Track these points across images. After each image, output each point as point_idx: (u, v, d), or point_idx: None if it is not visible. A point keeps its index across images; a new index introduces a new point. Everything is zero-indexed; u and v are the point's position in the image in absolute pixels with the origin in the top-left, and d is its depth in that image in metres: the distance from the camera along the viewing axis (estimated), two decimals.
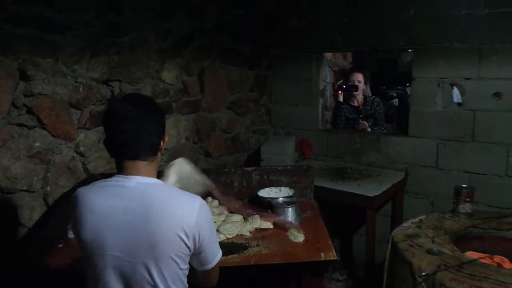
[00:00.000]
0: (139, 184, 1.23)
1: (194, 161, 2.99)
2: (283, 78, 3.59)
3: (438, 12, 2.80)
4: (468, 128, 2.82)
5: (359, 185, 2.74)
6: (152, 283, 1.22)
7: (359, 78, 3.58)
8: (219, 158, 3.26)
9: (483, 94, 2.74)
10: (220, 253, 1.38)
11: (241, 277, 2.02)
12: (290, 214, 2.10)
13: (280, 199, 2.25)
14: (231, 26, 3.19)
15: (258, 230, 2.05)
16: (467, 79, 2.79)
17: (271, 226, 2.07)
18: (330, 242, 1.88)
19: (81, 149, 2.20)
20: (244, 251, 1.85)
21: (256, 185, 2.47)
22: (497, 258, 2.17)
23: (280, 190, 2.43)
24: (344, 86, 3.59)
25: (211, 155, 3.17)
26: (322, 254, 1.78)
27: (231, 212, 2.17)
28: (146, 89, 2.58)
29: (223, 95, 3.23)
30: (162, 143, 1.32)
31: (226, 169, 2.50)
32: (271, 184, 2.47)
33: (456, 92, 2.85)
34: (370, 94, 3.87)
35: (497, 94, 2.70)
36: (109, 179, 1.27)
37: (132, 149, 1.24)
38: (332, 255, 1.77)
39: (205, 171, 2.07)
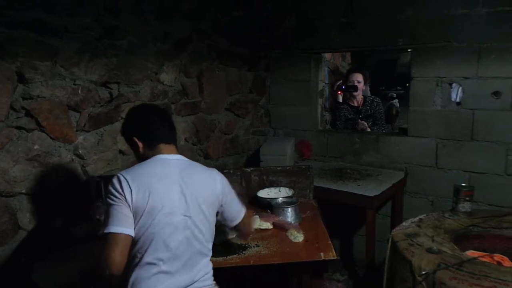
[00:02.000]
0: (177, 159, 1.61)
1: None
2: (282, 79, 3.60)
3: (436, 11, 2.80)
4: (467, 127, 2.82)
5: (358, 185, 2.74)
6: (198, 230, 1.55)
7: (358, 78, 3.59)
8: (218, 160, 3.26)
9: (482, 93, 2.74)
10: (244, 209, 1.75)
11: (242, 277, 2.02)
12: (289, 215, 2.10)
13: (280, 200, 2.26)
14: (229, 28, 3.20)
15: (257, 230, 2.05)
16: (466, 78, 2.79)
17: (271, 227, 2.07)
18: (330, 242, 1.89)
19: (80, 151, 2.20)
20: (243, 252, 1.86)
21: (255, 186, 2.47)
22: (497, 257, 2.17)
23: (279, 191, 2.44)
24: (343, 87, 3.60)
25: (210, 156, 3.17)
26: (322, 254, 1.78)
27: None
28: (145, 91, 2.59)
29: (222, 96, 3.24)
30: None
31: (225, 170, 2.50)
32: (270, 184, 2.47)
33: (455, 91, 2.85)
34: (370, 95, 3.88)
35: (496, 93, 2.70)
36: (150, 159, 1.58)
37: (170, 136, 1.66)
38: (332, 255, 1.77)
39: None
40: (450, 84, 2.85)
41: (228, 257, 1.81)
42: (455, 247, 2.00)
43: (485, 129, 2.76)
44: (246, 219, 1.76)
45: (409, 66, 3.05)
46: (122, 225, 1.40)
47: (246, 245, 1.92)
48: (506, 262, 2.13)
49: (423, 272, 1.76)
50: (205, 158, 3.13)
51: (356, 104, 3.60)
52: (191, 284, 1.52)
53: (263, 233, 2.03)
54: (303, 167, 2.51)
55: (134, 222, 1.43)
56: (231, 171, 2.49)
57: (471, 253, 2.21)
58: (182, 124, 2.88)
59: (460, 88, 2.82)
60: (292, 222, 2.06)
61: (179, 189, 1.51)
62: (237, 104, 3.39)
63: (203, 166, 1.68)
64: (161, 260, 1.45)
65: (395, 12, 2.96)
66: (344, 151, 3.35)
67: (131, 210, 1.42)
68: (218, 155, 3.25)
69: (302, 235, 1.95)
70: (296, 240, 1.92)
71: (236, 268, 1.77)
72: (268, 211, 2.20)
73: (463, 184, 2.43)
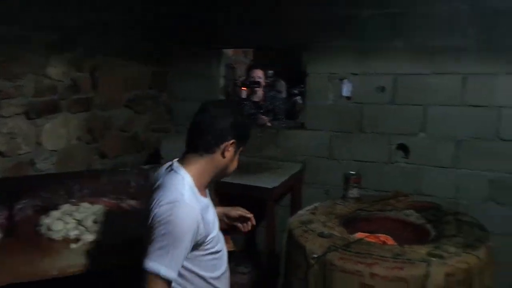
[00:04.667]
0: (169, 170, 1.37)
1: (88, 163, 2.82)
2: (183, 75, 3.54)
3: (325, 11, 2.98)
4: (356, 120, 3.05)
5: (258, 178, 2.81)
6: None
7: (259, 74, 3.67)
8: (116, 158, 3.10)
9: (368, 88, 2.98)
10: (158, 270, 1.19)
11: None
12: None
13: None
14: (127, 20, 3.06)
15: None
16: (354, 74, 3.01)
17: None
18: (227, 234, 1.89)
19: None
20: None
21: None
22: (382, 237, 2.37)
23: None
24: (247, 83, 3.65)
25: (107, 155, 3.00)
26: None
27: None
28: (28, 85, 2.37)
29: (119, 92, 3.09)
30: (221, 147, 1.35)
31: (121, 169, 2.38)
32: None
33: (345, 86, 3.05)
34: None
35: (380, 88, 2.96)
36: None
37: (189, 141, 1.38)
38: (229, 247, 1.77)
39: (98, 172, 1.96)
40: (341, 80, 3.05)
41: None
42: (344, 230, 2.15)
43: (371, 121, 3.01)
44: None
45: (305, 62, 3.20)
46: None
47: None
48: (390, 241, 2.34)
49: (315, 256, 1.86)
50: (102, 157, 2.96)
51: (257, 100, 3.68)
52: None
53: None
54: None
55: None
56: (128, 170, 2.38)
57: (359, 235, 2.38)
58: (73, 122, 2.69)
59: (350, 84, 3.04)
60: None
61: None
62: (136, 100, 3.26)
63: (172, 187, 1.29)
64: None
65: (289, 11, 3.08)
66: (247, 146, 3.40)
67: None
68: (116, 154, 3.09)
69: None
70: None
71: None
72: None
73: (352, 172, 2.62)
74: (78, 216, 1.98)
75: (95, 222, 1.95)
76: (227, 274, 1.51)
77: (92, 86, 2.82)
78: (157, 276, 1.18)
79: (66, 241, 1.84)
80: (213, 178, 1.43)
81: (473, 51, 2.67)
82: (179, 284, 1.31)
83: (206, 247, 1.35)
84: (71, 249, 1.78)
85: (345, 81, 3.04)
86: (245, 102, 3.67)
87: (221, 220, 1.59)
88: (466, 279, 1.73)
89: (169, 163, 1.42)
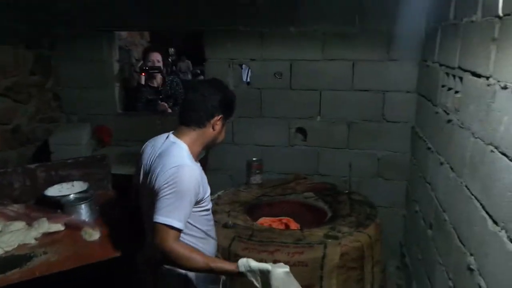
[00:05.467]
0: (168, 141, 1.56)
1: None
2: (71, 59, 3.23)
3: None
4: (256, 105, 3.09)
5: None
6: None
7: (158, 57, 3.50)
8: None
9: (267, 73, 3.03)
10: (170, 221, 1.39)
11: None
12: (83, 212, 1.93)
13: (72, 196, 2.04)
14: None
15: (46, 235, 1.82)
16: (253, 60, 3.03)
17: (62, 228, 1.87)
18: (127, 236, 1.81)
19: None
20: (27, 263, 1.63)
21: (43, 183, 2.18)
22: (284, 220, 2.48)
23: (73, 185, 2.22)
24: (146, 68, 3.45)
25: None
26: (119, 250, 1.70)
27: (10, 221, 1.86)
28: None
29: None
30: (211, 121, 1.55)
31: (1, 170, 2.12)
32: (61, 180, 2.22)
33: (244, 72, 3.06)
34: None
35: (278, 74, 3.02)
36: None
37: (182, 117, 1.57)
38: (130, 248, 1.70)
39: None
40: (240, 66, 3.05)
41: (6, 273, 1.55)
42: (248, 218, 2.19)
43: (270, 106, 3.08)
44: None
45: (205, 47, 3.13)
46: None
47: (31, 254, 1.68)
48: (292, 223, 2.45)
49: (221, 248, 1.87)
50: None
51: (155, 85, 3.52)
52: None
53: (53, 237, 1.81)
54: (98, 156, 2.33)
55: None
56: (10, 170, 2.13)
57: (263, 220, 2.46)
58: None
59: (249, 69, 3.05)
60: (86, 220, 1.90)
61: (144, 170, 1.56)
62: (16, 88, 2.90)
63: (174, 154, 1.48)
64: None
65: None
66: (146, 134, 3.22)
67: None
68: None
69: (98, 232, 1.82)
70: (92, 239, 1.78)
71: (21, 285, 1.54)
72: (59, 210, 1.97)
73: (254, 159, 2.67)
74: None
75: None
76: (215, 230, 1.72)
77: None
78: (170, 227, 1.38)
79: None
80: (204, 148, 1.66)
81: (359, 38, 2.84)
82: (185, 233, 1.47)
83: (202, 204, 1.57)
84: None
85: (244, 66, 3.05)
86: (143, 89, 3.48)
87: None
88: (358, 256, 1.88)
89: (165, 135, 1.61)
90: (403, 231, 3.06)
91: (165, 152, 1.51)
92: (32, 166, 2.19)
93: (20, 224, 1.82)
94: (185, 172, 1.43)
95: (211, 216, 1.68)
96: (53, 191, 2.14)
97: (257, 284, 1.34)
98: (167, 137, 1.59)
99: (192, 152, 1.54)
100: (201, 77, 10.50)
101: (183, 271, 1.49)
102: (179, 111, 1.61)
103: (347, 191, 2.56)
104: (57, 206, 2.01)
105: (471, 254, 1.51)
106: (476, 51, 1.62)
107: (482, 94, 1.49)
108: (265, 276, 1.33)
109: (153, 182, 1.45)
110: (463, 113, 1.75)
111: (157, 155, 1.53)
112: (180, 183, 1.41)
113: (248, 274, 1.35)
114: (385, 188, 3.03)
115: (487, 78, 1.45)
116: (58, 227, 1.86)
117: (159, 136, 1.65)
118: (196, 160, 1.58)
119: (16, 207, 2.01)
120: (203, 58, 3.18)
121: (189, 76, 10.12)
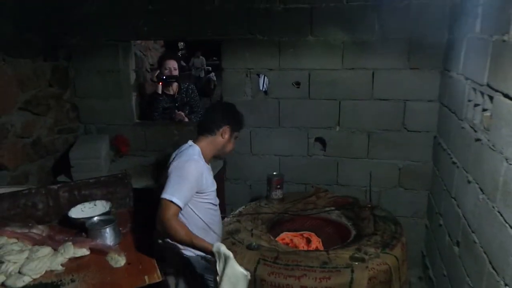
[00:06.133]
0: (186, 145, 1.98)
1: None
2: (87, 70, 3.23)
3: (240, 4, 2.88)
4: (274, 115, 3.06)
5: None
6: None
7: (174, 65, 3.47)
8: (17, 169, 2.78)
9: (285, 83, 2.99)
10: (171, 198, 1.71)
11: None
12: (107, 236, 1.91)
13: (95, 219, 2.03)
14: (13, 11, 2.66)
15: (72, 260, 1.82)
16: (271, 69, 2.99)
17: (87, 253, 1.86)
18: (154, 261, 1.80)
19: None
20: None
21: (65, 203, 2.18)
22: (306, 234, 2.47)
23: (95, 205, 2.20)
24: (164, 77, 3.42)
25: (6, 167, 2.67)
26: (146, 278, 1.69)
27: (35, 245, 1.87)
28: None
29: (11, 94, 2.72)
30: (220, 130, 1.97)
31: (24, 191, 2.12)
32: (83, 199, 2.22)
33: (262, 81, 3.02)
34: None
35: (296, 83, 2.98)
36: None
37: (199, 128, 2.02)
38: (157, 277, 1.69)
39: None
40: (258, 75, 3.01)
41: None
42: (271, 237, 2.17)
43: (289, 116, 3.04)
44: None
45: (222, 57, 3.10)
46: None
47: (59, 282, 1.68)
48: (314, 238, 2.44)
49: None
50: None
51: (171, 93, 3.50)
52: None
53: (79, 262, 1.81)
54: (119, 175, 2.32)
55: None
56: (33, 191, 2.13)
57: (285, 235, 2.45)
58: None
59: (266, 79, 3.01)
60: (112, 244, 1.89)
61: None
62: (35, 101, 2.91)
63: (186, 153, 1.88)
64: None
65: (202, 2, 2.93)
66: (164, 143, 3.25)
67: None
68: (16, 164, 2.77)
69: (123, 257, 1.80)
70: (117, 265, 1.77)
71: None
72: (83, 234, 1.97)
73: (274, 173, 2.65)
74: None
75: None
76: (220, 227, 2.06)
77: None
78: (170, 202, 1.70)
79: None
80: (215, 154, 2.04)
81: (379, 46, 2.78)
82: (185, 218, 1.84)
83: (205, 197, 1.91)
84: None
85: (263, 76, 3.01)
86: (160, 98, 3.45)
87: None
88: (386, 279, 1.86)
89: (188, 143, 1.99)
90: (424, 241, 3.02)
91: (182, 152, 1.91)
92: (55, 186, 2.18)
93: (46, 250, 1.81)
94: (191, 164, 1.82)
95: (217, 212, 2.03)
96: (75, 211, 2.13)
97: (217, 266, 1.53)
98: (187, 143, 1.99)
99: (204, 155, 1.93)
100: (213, 74, 10.52)
101: (181, 246, 1.83)
102: (197, 125, 2.05)
103: (369, 205, 2.52)
104: (81, 228, 2.01)
105: (506, 285, 1.48)
106: (509, 73, 1.57)
107: None
108: (226, 263, 1.51)
109: (167, 171, 1.82)
110: (494, 135, 1.70)
111: (176, 154, 1.94)
112: (186, 171, 1.79)
113: (216, 255, 1.54)
114: (406, 197, 2.99)
115: None
116: (84, 251, 1.85)
117: (182, 146, 2.00)
118: (207, 162, 1.96)
119: (40, 229, 2.01)
120: (217, 51, 3.14)
121: (203, 74, 10.10)
